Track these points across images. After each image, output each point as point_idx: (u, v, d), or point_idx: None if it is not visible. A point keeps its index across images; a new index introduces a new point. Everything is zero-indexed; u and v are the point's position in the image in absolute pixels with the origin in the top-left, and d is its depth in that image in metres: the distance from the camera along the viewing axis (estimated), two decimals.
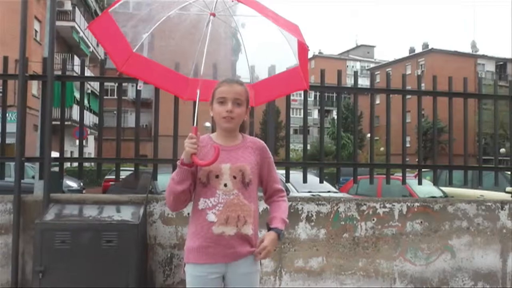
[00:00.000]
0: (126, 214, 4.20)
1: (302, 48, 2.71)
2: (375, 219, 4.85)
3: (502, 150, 28.86)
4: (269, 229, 2.54)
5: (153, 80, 3.18)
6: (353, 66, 78.81)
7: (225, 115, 2.48)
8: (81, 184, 16.08)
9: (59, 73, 4.78)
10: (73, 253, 3.84)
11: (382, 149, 36.09)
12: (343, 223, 4.79)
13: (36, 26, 28.53)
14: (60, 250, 3.83)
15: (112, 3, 2.77)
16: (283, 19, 2.58)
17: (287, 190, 10.71)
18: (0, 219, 4.33)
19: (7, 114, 4.64)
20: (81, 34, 34.70)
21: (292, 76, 2.95)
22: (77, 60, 30.82)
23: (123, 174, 11.41)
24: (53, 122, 4.50)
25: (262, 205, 3.52)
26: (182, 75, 3.19)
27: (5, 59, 4.57)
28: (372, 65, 77.34)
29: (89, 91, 32.60)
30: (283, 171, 5.11)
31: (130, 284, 3.86)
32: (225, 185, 2.45)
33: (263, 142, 2.65)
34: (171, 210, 2.64)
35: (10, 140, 4.64)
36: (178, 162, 2.47)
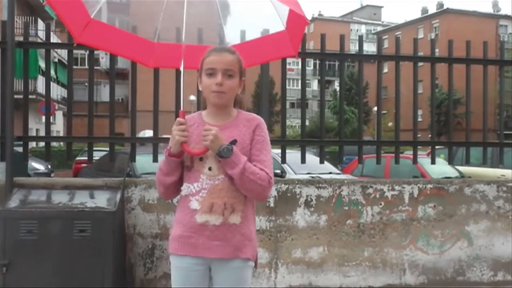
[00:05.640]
0: (101, 200, 4.20)
1: (296, 17, 2.75)
2: (383, 203, 4.89)
3: None
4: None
5: (114, 48, 3.19)
6: (357, 30, 78.46)
7: (215, 89, 2.43)
8: (49, 166, 16.04)
9: (21, 39, 4.72)
10: (41, 245, 3.85)
11: (390, 124, 36.23)
12: (346, 208, 4.82)
13: None
14: (26, 241, 3.84)
15: None
16: None
17: (283, 172, 10.75)
18: None
19: None
20: None
21: (278, 41, 2.99)
22: (41, 24, 30.39)
23: (97, 155, 11.38)
24: (15, 96, 4.45)
25: None
26: (146, 39, 3.19)
27: None
28: (379, 29, 77.04)
29: (56, 60, 32.26)
30: (279, 150, 5.12)
31: (106, 279, 3.88)
32: (210, 168, 2.44)
33: (260, 119, 2.58)
34: (164, 199, 2.67)
35: None
36: (165, 152, 2.45)
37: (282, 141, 5.10)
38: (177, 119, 2.44)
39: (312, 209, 4.76)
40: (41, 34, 26.49)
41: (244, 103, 2.66)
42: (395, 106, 5.36)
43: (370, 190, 4.88)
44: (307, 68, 5.18)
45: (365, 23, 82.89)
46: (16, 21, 4.67)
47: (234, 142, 2.41)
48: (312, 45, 60.88)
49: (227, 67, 2.45)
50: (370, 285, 4.84)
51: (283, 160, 5.15)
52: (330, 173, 11.42)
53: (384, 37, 59.58)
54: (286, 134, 5.24)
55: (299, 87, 5.14)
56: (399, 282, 4.90)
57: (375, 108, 5.59)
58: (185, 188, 2.48)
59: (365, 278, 4.83)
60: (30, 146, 5.06)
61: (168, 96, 4.60)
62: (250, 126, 2.53)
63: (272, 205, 4.65)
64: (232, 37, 3.13)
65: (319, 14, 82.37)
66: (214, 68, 2.44)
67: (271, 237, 4.68)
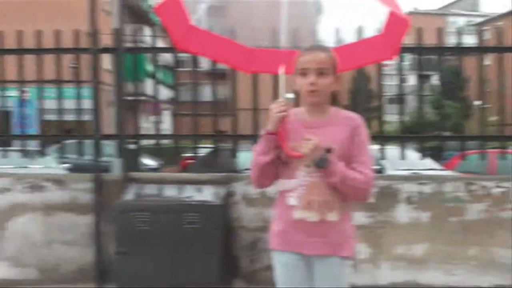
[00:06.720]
0: (207, 194, 4.35)
1: (396, 20, 2.69)
2: (488, 200, 4.66)
3: None
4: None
5: (213, 55, 3.23)
6: (455, 23, 74.90)
7: (308, 89, 2.43)
8: (159, 162, 16.66)
9: (130, 45, 4.97)
10: (154, 235, 4.07)
11: (494, 118, 34.24)
12: (449, 204, 4.65)
13: None
14: (140, 231, 4.08)
15: None
16: None
17: (382, 169, 10.53)
18: (81, 199, 4.64)
19: (80, 90, 4.87)
20: (150, 2, 35.67)
21: (375, 45, 2.94)
22: (147, 31, 31.77)
23: (202, 152, 11.70)
24: (128, 98, 4.71)
25: None
26: (245, 46, 3.22)
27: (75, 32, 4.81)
28: (478, 20, 73.05)
29: (162, 64, 33.52)
30: (377, 146, 5.03)
31: (214, 268, 4.04)
32: (308, 165, 2.43)
33: (360, 118, 2.53)
34: (256, 187, 2.64)
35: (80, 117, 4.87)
36: (262, 133, 2.47)
37: (380, 137, 5.01)
38: (277, 100, 2.46)
39: (414, 205, 4.63)
40: (147, 40, 27.63)
41: (340, 100, 2.63)
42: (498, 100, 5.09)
43: (475, 187, 4.67)
44: (404, 63, 5.04)
45: (463, 15, 78.89)
46: (125, 29, 4.96)
47: (330, 150, 2.38)
48: (408, 40, 58.89)
49: (319, 65, 2.43)
50: (477, 285, 4.61)
51: (382, 156, 5.05)
52: (431, 169, 11.04)
53: (484, 28, 56.38)
54: (385, 130, 5.14)
55: (397, 82, 5.02)
56: (509, 283, 4.62)
57: (478, 102, 5.35)
58: (282, 184, 2.50)
59: (471, 278, 4.62)
60: (141, 144, 5.35)
61: (267, 94, 4.65)
62: (350, 125, 2.49)
63: (372, 200, 4.58)
64: (327, 42, 3.12)
65: (414, 8, 79.59)
66: (306, 68, 2.44)
67: (371, 233, 4.61)
